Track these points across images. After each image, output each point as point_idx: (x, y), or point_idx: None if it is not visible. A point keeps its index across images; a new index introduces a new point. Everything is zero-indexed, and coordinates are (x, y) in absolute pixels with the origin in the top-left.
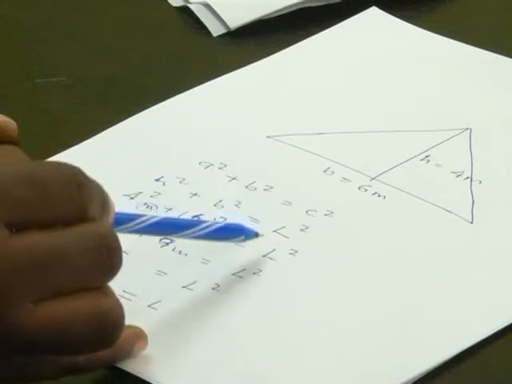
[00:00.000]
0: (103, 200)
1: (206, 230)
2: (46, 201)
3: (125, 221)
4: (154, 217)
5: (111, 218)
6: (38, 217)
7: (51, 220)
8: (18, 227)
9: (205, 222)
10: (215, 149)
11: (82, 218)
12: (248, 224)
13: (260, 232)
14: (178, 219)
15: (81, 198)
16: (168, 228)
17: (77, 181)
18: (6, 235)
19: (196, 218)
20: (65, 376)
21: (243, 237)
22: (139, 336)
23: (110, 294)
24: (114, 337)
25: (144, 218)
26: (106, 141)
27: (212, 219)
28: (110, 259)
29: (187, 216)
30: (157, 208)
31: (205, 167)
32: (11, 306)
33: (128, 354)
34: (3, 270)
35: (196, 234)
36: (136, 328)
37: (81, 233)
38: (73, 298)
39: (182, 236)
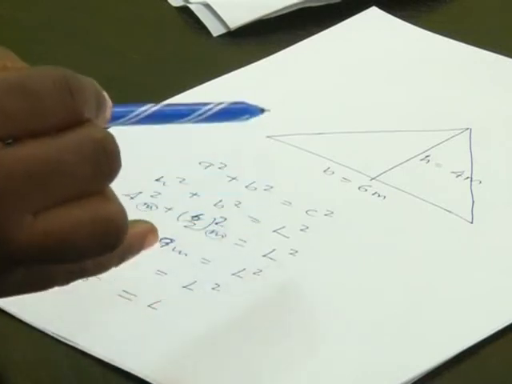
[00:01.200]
0: (98, 97)
1: (209, 113)
2: (39, 110)
3: (123, 113)
4: (154, 105)
5: (108, 114)
6: (30, 127)
7: (45, 129)
8: (10, 139)
9: (206, 104)
10: (215, 149)
11: (76, 123)
12: (251, 101)
13: (266, 108)
14: (178, 105)
15: (74, 103)
16: (169, 116)
17: (69, 85)
18: None
19: (197, 103)
20: (76, 280)
21: (248, 115)
22: (149, 230)
23: (111, 198)
24: (118, 241)
25: (143, 109)
26: None
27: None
28: (108, 163)
29: (187, 216)
30: (157, 208)
31: (205, 167)
32: (8, 220)
33: (138, 250)
34: None
35: (198, 119)
36: (146, 222)
37: (76, 139)
38: (74, 206)
39: (184, 122)
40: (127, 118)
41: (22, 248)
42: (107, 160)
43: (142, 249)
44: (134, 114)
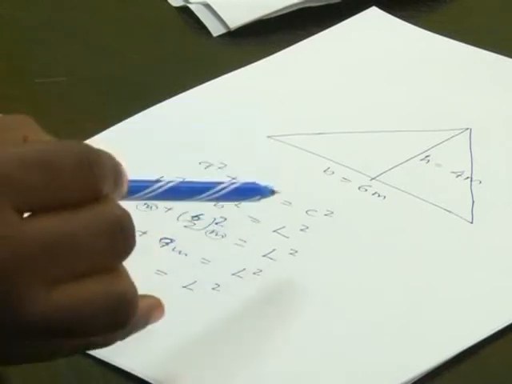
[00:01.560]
0: (116, 172)
1: (222, 192)
2: (59, 185)
3: (140, 188)
4: (170, 181)
5: (125, 188)
6: (48, 201)
7: (63, 204)
8: (28, 212)
9: (220, 183)
10: (215, 149)
11: (95, 198)
12: (262, 182)
13: (276, 189)
14: (194, 183)
15: (94, 179)
16: (183, 193)
17: (89, 161)
18: (15, 221)
19: (211, 181)
20: (80, 352)
21: (259, 196)
22: (156, 305)
23: (123, 274)
24: (129, 318)
25: (160, 184)
26: (106, 141)
27: (226, 180)
28: (123, 241)
29: (187, 216)
30: (157, 208)
31: (205, 167)
32: (22, 293)
33: (144, 325)
34: (12, 256)
35: (212, 197)
36: (152, 298)
37: (93, 215)
38: (87, 281)
39: (198, 200)
40: (143, 193)
41: (35, 322)
42: (123, 237)
43: (147, 324)
44: (150, 189)
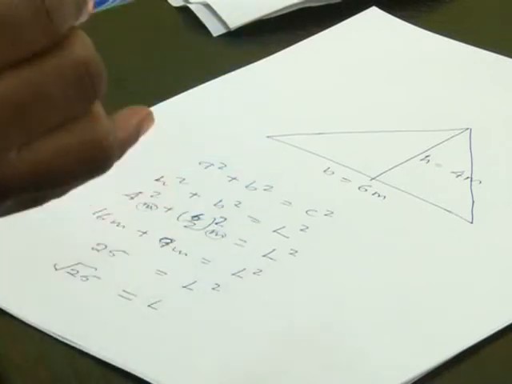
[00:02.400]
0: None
1: None
2: (15, 40)
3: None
4: None
5: (90, 8)
6: (7, 59)
7: (23, 58)
8: None
9: None
10: (215, 149)
11: (56, 43)
12: None
13: None
14: None
15: (53, 25)
16: None
17: (45, 5)
18: None
19: None
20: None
21: None
22: (147, 118)
23: (98, 118)
24: (108, 164)
25: None
26: None
27: None
28: (92, 85)
29: (187, 216)
30: (157, 208)
31: (205, 167)
32: None
33: (136, 139)
34: None
35: None
36: (143, 109)
37: (56, 64)
38: (59, 133)
39: None
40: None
41: (9, 181)
42: (91, 81)
43: (139, 137)
44: None
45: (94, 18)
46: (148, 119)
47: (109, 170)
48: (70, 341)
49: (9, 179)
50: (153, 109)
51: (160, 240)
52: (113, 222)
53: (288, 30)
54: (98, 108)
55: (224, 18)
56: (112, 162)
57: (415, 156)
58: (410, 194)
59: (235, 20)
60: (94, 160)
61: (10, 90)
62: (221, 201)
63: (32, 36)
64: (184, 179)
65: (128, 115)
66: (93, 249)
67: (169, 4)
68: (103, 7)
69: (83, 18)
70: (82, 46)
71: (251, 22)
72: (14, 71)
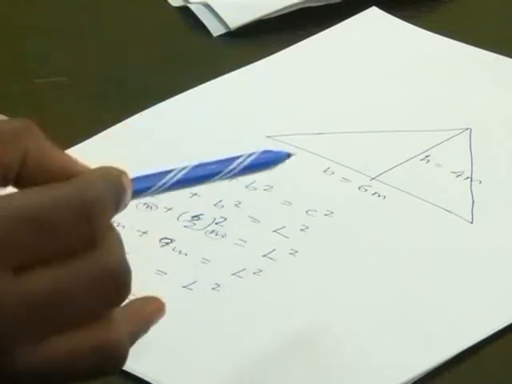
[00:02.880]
0: (117, 194)
1: (240, 167)
2: (54, 242)
3: (149, 184)
4: (183, 168)
5: (127, 200)
6: (44, 257)
7: (58, 256)
8: (21, 267)
9: (236, 158)
10: (215, 149)
11: (92, 248)
12: (275, 149)
13: (291, 152)
14: (207, 164)
15: (91, 231)
16: (199, 178)
17: (88, 213)
18: (7, 280)
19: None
20: None
21: (275, 164)
22: (158, 310)
23: (114, 324)
24: (117, 369)
25: (172, 175)
26: (106, 141)
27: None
28: (118, 294)
29: (187, 216)
30: (157, 208)
31: None
32: (8, 349)
33: (148, 329)
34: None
35: (229, 175)
36: (153, 300)
37: (87, 270)
38: (76, 333)
39: (215, 180)
40: (154, 188)
41: (22, 375)
42: (118, 290)
43: (150, 327)
44: (161, 183)
45: (95, 17)
46: (161, 311)
47: (115, 373)
48: None
49: (23, 372)
50: (153, 109)
51: (160, 240)
52: (113, 222)
53: (288, 30)
54: (115, 317)
55: (224, 17)
56: (123, 364)
57: (415, 156)
58: (410, 193)
59: (235, 20)
60: (105, 365)
61: (39, 287)
62: (221, 201)
63: (70, 238)
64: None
65: (141, 306)
66: None
67: (169, 4)
68: (147, 193)
69: (122, 209)
70: (115, 254)
71: (251, 21)
72: (46, 268)
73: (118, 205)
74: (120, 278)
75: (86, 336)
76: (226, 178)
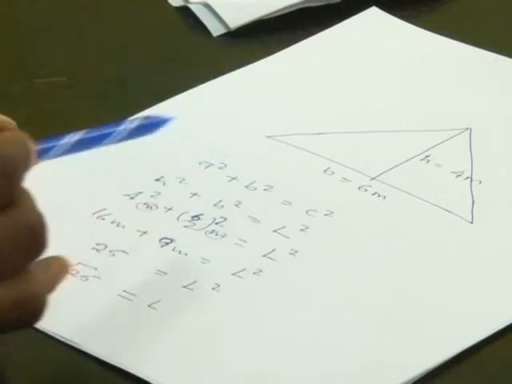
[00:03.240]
0: (26, 157)
1: (127, 131)
2: None
3: (50, 148)
4: (75, 134)
5: (34, 161)
6: None
7: None
8: None
9: (121, 123)
10: (215, 149)
11: (10, 205)
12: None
13: (172, 117)
14: (98, 130)
15: (9, 188)
16: (92, 141)
17: (5, 170)
18: None
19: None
20: None
21: (157, 128)
22: (63, 270)
23: (32, 278)
24: (37, 320)
25: (66, 139)
26: None
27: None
28: (36, 248)
29: (187, 216)
30: (157, 208)
31: (205, 167)
32: None
33: (52, 291)
34: None
35: (118, 138)
36: (58, 260)
37: (9, 226)
38: None
39: (106, 144)
40: (53, 151)
41: None
42: (37, 246)
43: (56, 287)
44: (59, 146)
45: (95, 17)
46: (65, 268)
47: (40, 320)
48: (70, 341)
49: None
50: (153, 109)
51: (160, 240)
52: (113, 222)
53: (288, 30)
54: (34, 271)
55: (224, 17)
56: (42, 317)
57: (415, 156)
58: (410, 193)
59: (235, 20)
60: (26, 316)
61: None
62: (221, 201)
63: None
64: (184, 179)
65: (47, 264)
66: (93, 249)
67: (169, 4)
68: (48, 156)
69: (29, 169)
70: (33, 210)
71: (251, 21)
72: None
73: (27, 165)
74: (39, 233)
75: (6, 290)
76: (116, 142)
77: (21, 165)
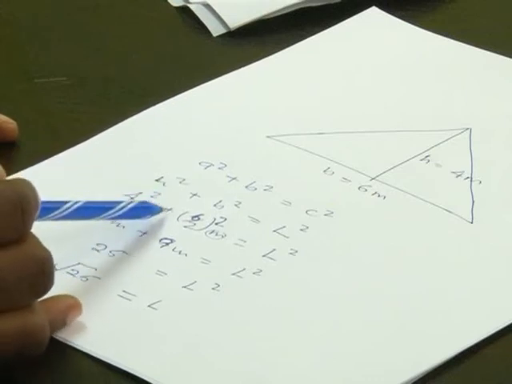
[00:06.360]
0: (37, 205)
1: (123, 211)
2: None
3: (51, 210)
4: (77, 202)
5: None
6: None
7: None
8: None
9: (120, 202)
10: (215, 149)
11: (21, 240)
12: (152, 202)
13: (164, 207)
14: (98, 203)
15: (23, 223)
16: (90, 212)
17: (22, 208)
18: None
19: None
20: None
21: (150, 215)
22: (73, 305)
23: (36, 311)
24: (38, 351)
25: (69, 205)
26: (106, 141)
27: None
28: (44, 283)
29: (187, 216)
30: None
31: (205, 167)
32: None
33: (63, 325)
34: None
35: (114, 216)
36: (69, 298)
37: (20, 257)
38: (1, 317)
39: (102, 218)
40: (52, 214)
41: None
42: (44, 281)
43: (65, 323)
44: (58, 211)
45: (95, 17)
46: (74, 307)
47: (40, 352)
48: (70, 341)
49: None
50: (153, 109)
51: (160, 240)
52: (113, 222)
53: (288, 30)
54: (37, 303)
55: (224, 18)
56: (44, 349)
57: (415, 156)
58: (410, 194)
59: (235, 20)
60: (30, 346)
61: None
62: (221, 201)
63: (5, 228)
64: (184, 179)
65: (56, 301)
66: (93, 249)
67: (169, 4)
68: (46, 218)
69: (43, 245)
70: (41, 246)
71: (251, 21)
72: None
73: (37, 206)
74: (47, 267)
75: (13, 320)
76: (109, 219)
77: (33, 203)
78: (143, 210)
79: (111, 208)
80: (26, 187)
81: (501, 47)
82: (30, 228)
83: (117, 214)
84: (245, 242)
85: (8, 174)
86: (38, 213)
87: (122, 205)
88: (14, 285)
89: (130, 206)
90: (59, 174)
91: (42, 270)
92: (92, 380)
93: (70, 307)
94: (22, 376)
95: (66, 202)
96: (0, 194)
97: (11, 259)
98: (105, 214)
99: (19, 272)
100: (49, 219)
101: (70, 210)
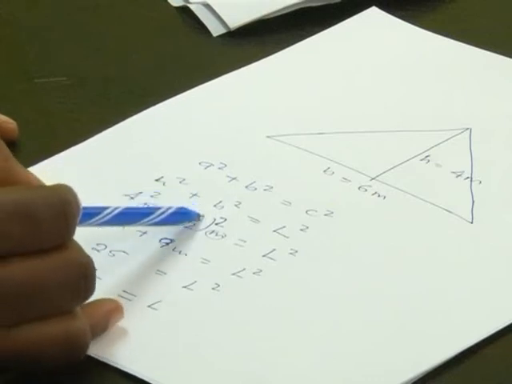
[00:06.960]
0: (79, 205)
1: (163, 216)
2: (34, 235)
3: (91, 215)
4: (117, 208)
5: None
6: (23, 248)
7: (36, 249)
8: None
9: (159, 208)
10: (215, 149)
11: (64, 246)
12: (191, 207)
13: (201, 213)
14: (137, 208)
15: (66, 229)
16: (130, 218)
17: (65, 212)
18: None
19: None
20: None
21: (188, 221)
22: (114, 309)
23: (78, 316)
24: (80, 356)
25: (109, 210)
26: (106, 141)
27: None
28: (86, 289)
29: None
30: None
31: (205, 167)
32: None
33: (104, 329)
34: None
35: (153, 221)
36: (111, 301)
37: (61, 262)
38: (45, 323)
39: (142, 224)
40: (93, 220)
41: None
42: (86, 286)
43: (107, 328)
44: (99, 216)
45: (95, 17)
46: (116, 311)
47: (82, 358)
48: None
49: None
50: (153, 109)
51: (160, 240)
52: None
53: (288, 30)
54: (79, 310)
55: (224, 18)
56: (85, 353)
57: (415, 156)
58: (410, 194)
59: (235, 20)
60: (73, 351)
61: (15, 275)
62: (221, 201)
63: (49, 232)
64: (184, 179)
65: (98, 305)
66: (93, 249)
67: (169, 4)
68: (89, 222)
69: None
70: (83, 252)
71: (251, 21)
72: (23, 259)
73: (79, 212)
74: (89, 274)
75: (54, 325)
76: (146, 225)
77: (75, 209)
78: (182, 215)
79: (151, 213)
80: (69, 193)
81: (501, 47)
82: (73, 234)
83: (157, 219)
84: (245, 242)
85: None
86: (79, 218)
87: (161, 210)
88: (56, 291)
89: (169, 211)
90: (59, 174)
91: (84, 275)
92: (92, 380)
93: (111, 311)
94: (22, 376)
95: (105, 208)
96: (44, 200)
97: (54, 265)
98: (144, 220)
99: (62, 278)
100: (90, 225)
101: (110, 216)
